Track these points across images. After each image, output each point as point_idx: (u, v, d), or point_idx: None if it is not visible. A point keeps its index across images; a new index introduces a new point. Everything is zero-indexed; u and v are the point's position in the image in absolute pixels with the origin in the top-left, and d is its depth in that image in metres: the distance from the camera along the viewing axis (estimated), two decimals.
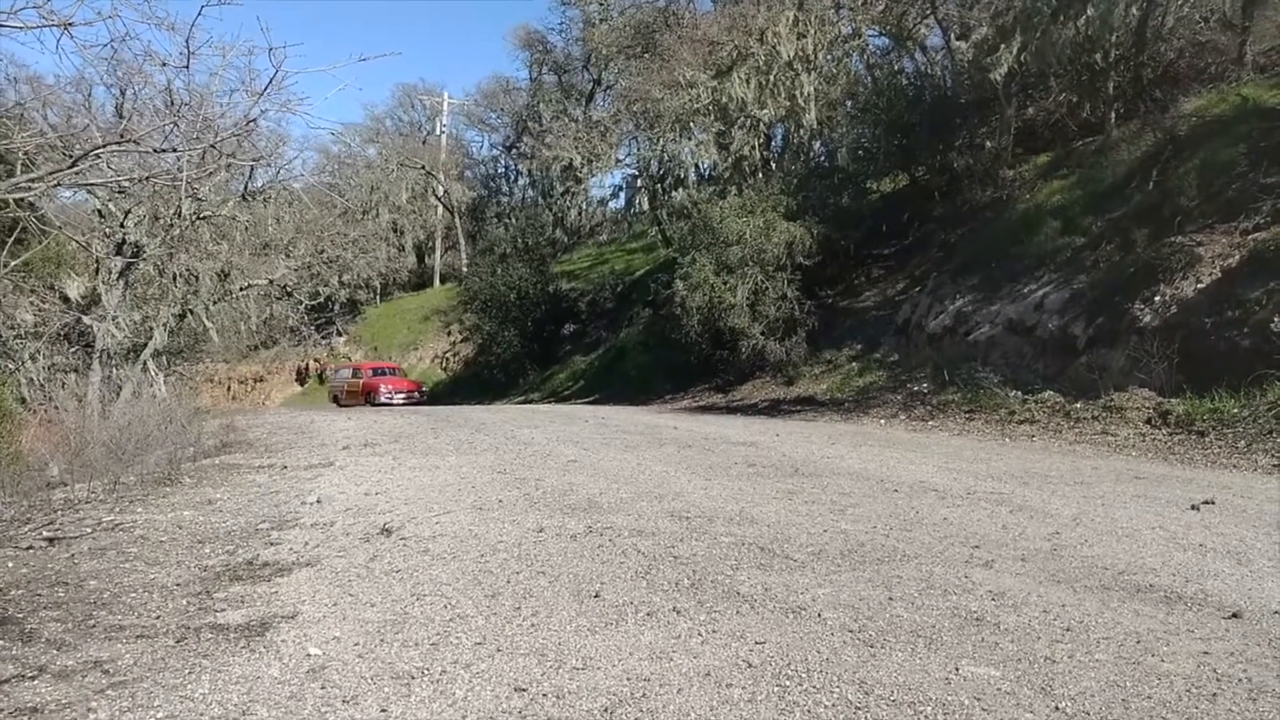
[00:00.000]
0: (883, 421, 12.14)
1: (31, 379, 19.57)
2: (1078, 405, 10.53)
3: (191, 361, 29.92)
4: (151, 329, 24.02)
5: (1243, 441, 8.18)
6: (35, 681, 2.99)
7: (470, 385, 30.05)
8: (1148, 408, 9.71)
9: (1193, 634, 2.89)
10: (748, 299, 16.96)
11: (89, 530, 5.58)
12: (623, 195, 36.43)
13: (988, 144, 16.95)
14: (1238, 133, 12.15)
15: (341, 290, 37.76)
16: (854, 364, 15.80)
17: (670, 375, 19.86)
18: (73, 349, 21.28)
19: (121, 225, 19.28)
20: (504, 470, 7.02)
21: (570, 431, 10.73)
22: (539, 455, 8.07)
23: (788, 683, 2.54)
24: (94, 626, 3.61)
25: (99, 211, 20.31)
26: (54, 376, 20.78)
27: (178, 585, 4.18)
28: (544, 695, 2.52)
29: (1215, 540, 4.27)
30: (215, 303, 23.80)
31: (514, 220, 39.81)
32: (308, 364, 39.51)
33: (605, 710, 2.39)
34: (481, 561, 4.10)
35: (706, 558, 4.03)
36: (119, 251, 20.54)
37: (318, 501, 5.98)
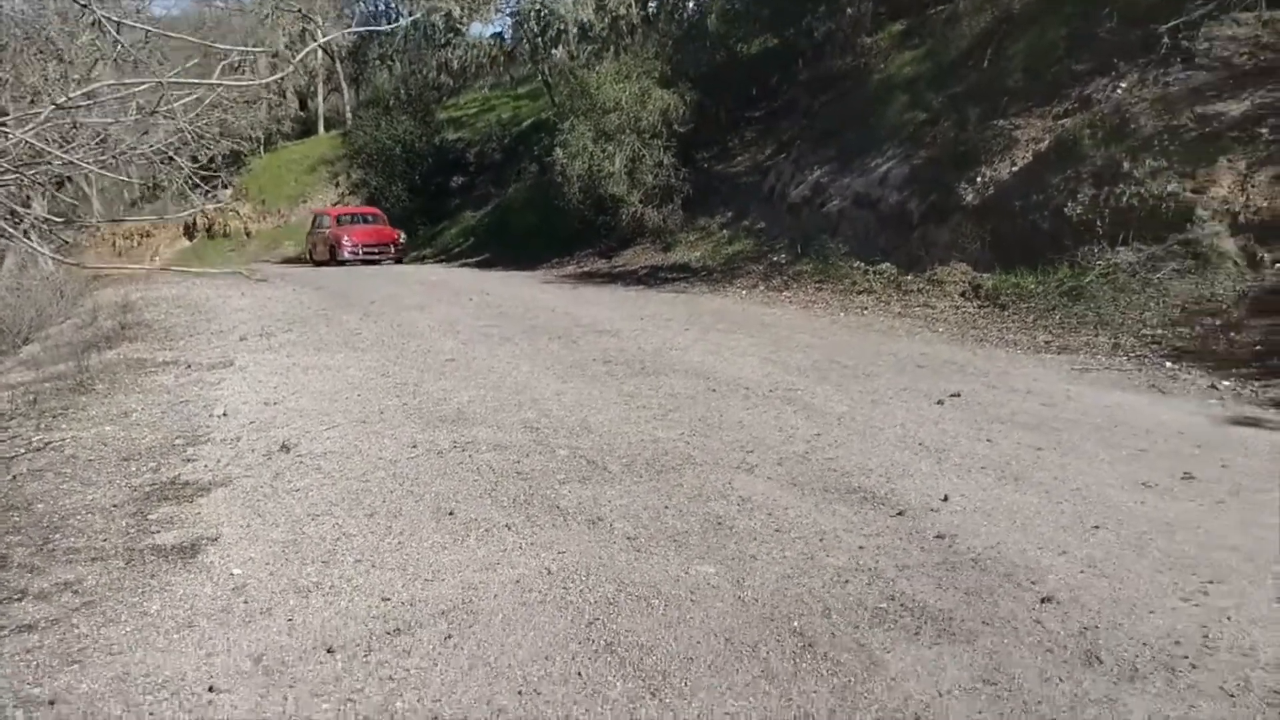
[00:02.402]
0: (744, 293, 13.35)
1: None
2: (908, 278, 11.87)
3: (75, 226, 29.50)
4: (29, 197, 23.75)
5: (1032, 316, 9.58)
6: (22, 603, 3.98)
7: None
8: (964, 282, 11.09)
9: (862, 531, 4.15)
10: (626, 167, 17.80)
11: (22, 450, 6.44)
12: (507, 39, 36.14)
13: (849, 10, 17.70)
14: (1063, 14, 13.20)
15: (224, 141, 36.99)
16: (725, 231, 16.92)
17: (557, 238, 20.69)
18: None
19: None
20: (387, 374, 8.02)
21: (453, 315, 11.69)
22: (421, 352, 9.07)
23: (570, 585, 3.71)
24: (54, 550, 4.58)
25: None
26: None
27: (115, 506, 5.14)
28: (402, 603, 3.65)
29: (935, 438, 5.57)
30: (95, 168, 23.58)
31: (397, 63, 39.22)
32: (195, 218, 39.11)
33: (443, 613, 3.53)
34: (363, 480, 5.17)
35: (543, 472, 5.17)
36: None
37: (224, 415, 6.93)
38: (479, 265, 22.34)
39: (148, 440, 6.41)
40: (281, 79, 45.11)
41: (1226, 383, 6.90)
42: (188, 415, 7.01)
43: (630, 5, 21.59)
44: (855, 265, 12.89)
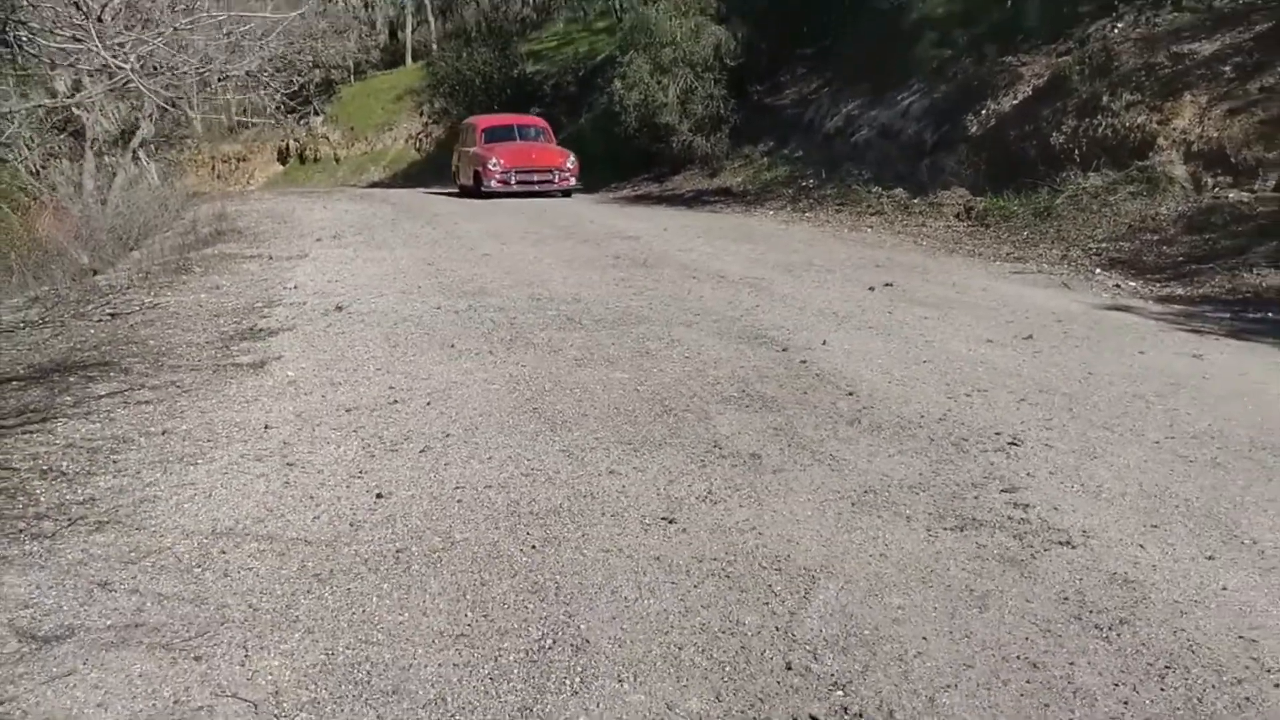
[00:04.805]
0: (771, 213, 14.59)
1: (29, 166, 21.70)
2: (915, 201, 13.00)
3: (177, 149, 31.72)
4: (137, 119, 25.84)
5: (1006, 233, 10.70)
6: (140, 391, 5.58)
7: (443, 165, 31.74)
8: (960, 204, 12.20)
9: (748, 359, 5.53)
10: (679, 97, 19.04)
11: (137, 309, 8.11)
12: None
13: None
14: None
15: (316, 71, 38.85)
16: (766, 159, 18.09)
17: (618, 164, 22.01)
18: (62, 136, 23.23)
19: (100, 19, 20.76)
20: (432, 263, 9.55)
21: (504, 225, 13.17)
22: (464, 249, 10.58)
23: (521, 383, 5.18)
24: (162, 366, 6.19)
25: (75, 4, 21.72)
26: (48, 163, 22.97)
27: (207, 343, 6.75)
28: (403, 389, 5.16)
29: (848, 310, 6.89)
30: (198, 88, 25.46)
31: None
32: (288, 144, 41.23)
33: (428, 394, 5.03)
34: (393, 327, 6.70)
35: (530, 325, 6.64)
36: (100, 41, 22.10)
37: (295, 287, 8.53)
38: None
39: (233, 304, 8.02)
40: (371, 8, 46.92)
41: (1133, 283, 8.05)
42: (266, 289, 8.62)
43: None
44: (873, 190, 14.01)
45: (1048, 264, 9.16)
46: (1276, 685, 2.44)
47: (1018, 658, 2.55)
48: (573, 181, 18.59)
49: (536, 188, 18.05)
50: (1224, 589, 2.91)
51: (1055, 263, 9.19)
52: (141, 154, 25.10)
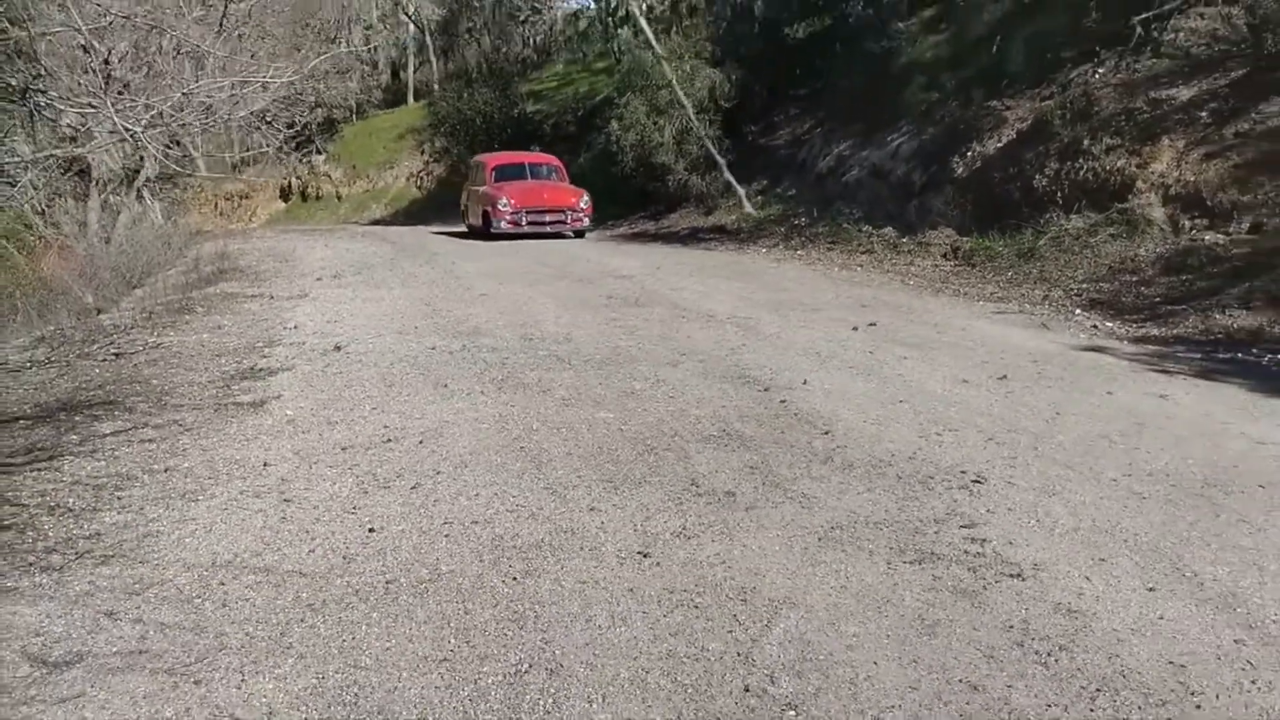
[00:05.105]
0: (763, 251, 14.85)
1: (34, 206, 22.02)
2: (904, 240, 13.26)
3: (181, 187, 32.15)
4: (142, 158, 26.20)
5: (991, 273, 10.94)
6: (145, 430, 5.79)
7: (443, 203, 32.18)
8: (946, 244, 12.45)
9: (731, 399, 5.74)
10: (674, 138, 19.41)
11: (140, 349, 8.33)
12: (582, 19, 37.92)
13: None
14: (1064, 3, 14.34)
15: (319, 110, 39.35)
16: (760, 197, 18.39)
17: (616, 202, 22.36)
18: (66, 175, 23.56)
19: (105, 62, 21.22)
20: (429, 303, 9.78)
21: (501, 264, 13.43)
22: (461, 289, 10.82)
23: (510, 422, 5.39)
24: (165, 405, 6.40)
25: (84, 47, 22.15)
26: (53, 202, 23.27)
27: (209, 382, 6.96)
28: (397, 428, 5.37)
29: (831, 349, 7.10)
30: (201, 133, 25.88)
31: (486, 36, 41.44)
32: (290, 182, 41.70)
33: (421, 433, 5.24)
34: (390, 368, 6.91)
35: (522, 365, 6.85)
36: (106, 86, 22.50)
37: (295, 328, 8.75)
38: None
39: (234, 344, 8.24)
40: (373, 50, 47.60)
41: (1110, 324, 8.27)
42: (266, 329, 8.85)
43: None
44: (863, 229, 14.29)
45: (1030, 304, 9.39)
46: (1199, 707, 2.63)
47: (960, 681, 2.74)
48: (586, 222, 18.21)
49: (548, 228, 17.71)
50: (1161, 618, 3.11)
51: (1037, 303, 9.42)
52: (145, 192, 25.43)
